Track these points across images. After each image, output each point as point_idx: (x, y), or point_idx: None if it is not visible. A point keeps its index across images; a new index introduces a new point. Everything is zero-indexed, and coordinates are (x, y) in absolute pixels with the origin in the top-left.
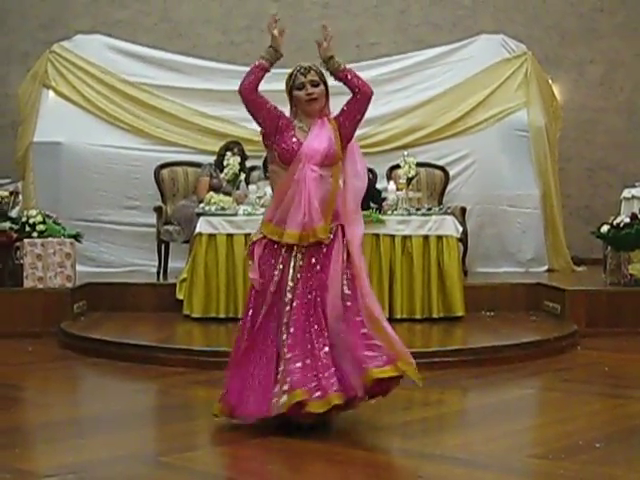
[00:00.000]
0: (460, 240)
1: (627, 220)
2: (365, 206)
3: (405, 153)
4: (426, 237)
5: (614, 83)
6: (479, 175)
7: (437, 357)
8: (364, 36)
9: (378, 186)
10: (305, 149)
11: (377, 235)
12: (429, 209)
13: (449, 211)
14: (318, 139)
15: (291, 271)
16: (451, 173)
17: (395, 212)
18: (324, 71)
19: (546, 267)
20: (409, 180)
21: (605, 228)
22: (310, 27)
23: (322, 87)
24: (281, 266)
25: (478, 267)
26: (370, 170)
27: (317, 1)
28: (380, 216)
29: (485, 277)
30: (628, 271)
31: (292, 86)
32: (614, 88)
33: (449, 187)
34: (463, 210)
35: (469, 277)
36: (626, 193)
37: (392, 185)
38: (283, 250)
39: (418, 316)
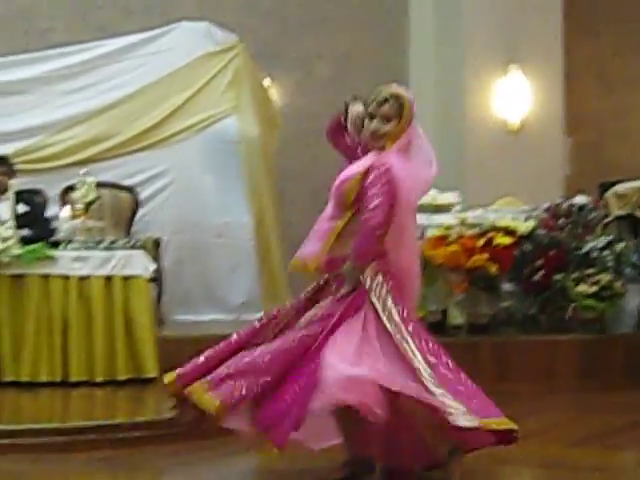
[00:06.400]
0: (153, 281)
1: None
2: (29, 239)
3: (83, 171)
4: (109, 278)
5: (344, 84)
6: (178, 198)
7: (123, 432)
8: (33, 20)
9: (48, 213)
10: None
11: (46, 276)
12: (113, 242)
13: (139, 244)
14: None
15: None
16: (142, 196)
17: (70, 246)
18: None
19: (262, 314)
20: (88, 205)
21: None
22: None
23: (394, 123)
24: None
25: (178, 314)
26: (37, 192)
27: None
28: (49, 251)
29: (186, 327)
30: None
31: (366, 110)
32: (344, 91)
33: (140, 214)
34: (157, 243)
35: (166, 328)
36: None
37: (66, 211)
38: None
39: (100, 379)
